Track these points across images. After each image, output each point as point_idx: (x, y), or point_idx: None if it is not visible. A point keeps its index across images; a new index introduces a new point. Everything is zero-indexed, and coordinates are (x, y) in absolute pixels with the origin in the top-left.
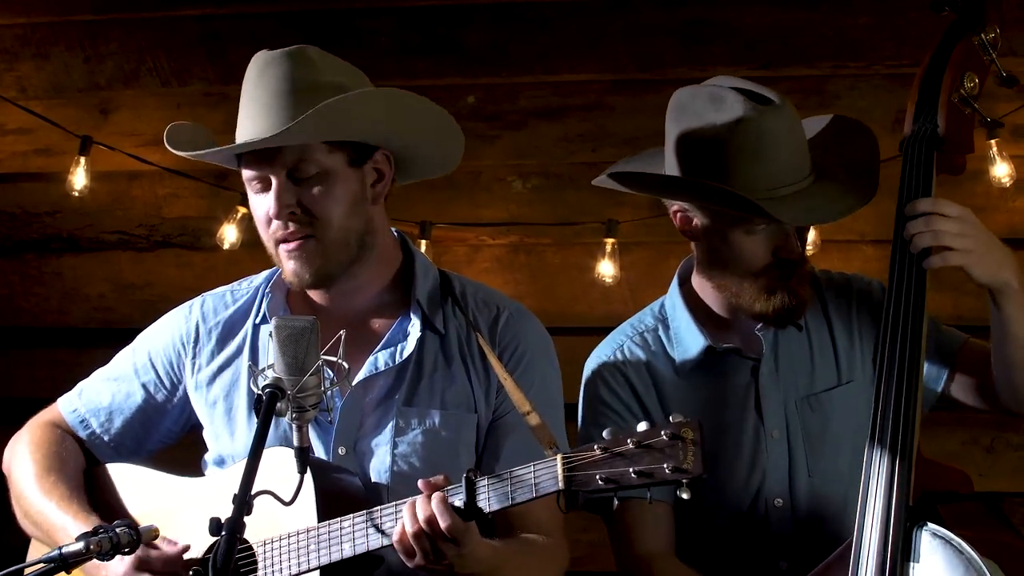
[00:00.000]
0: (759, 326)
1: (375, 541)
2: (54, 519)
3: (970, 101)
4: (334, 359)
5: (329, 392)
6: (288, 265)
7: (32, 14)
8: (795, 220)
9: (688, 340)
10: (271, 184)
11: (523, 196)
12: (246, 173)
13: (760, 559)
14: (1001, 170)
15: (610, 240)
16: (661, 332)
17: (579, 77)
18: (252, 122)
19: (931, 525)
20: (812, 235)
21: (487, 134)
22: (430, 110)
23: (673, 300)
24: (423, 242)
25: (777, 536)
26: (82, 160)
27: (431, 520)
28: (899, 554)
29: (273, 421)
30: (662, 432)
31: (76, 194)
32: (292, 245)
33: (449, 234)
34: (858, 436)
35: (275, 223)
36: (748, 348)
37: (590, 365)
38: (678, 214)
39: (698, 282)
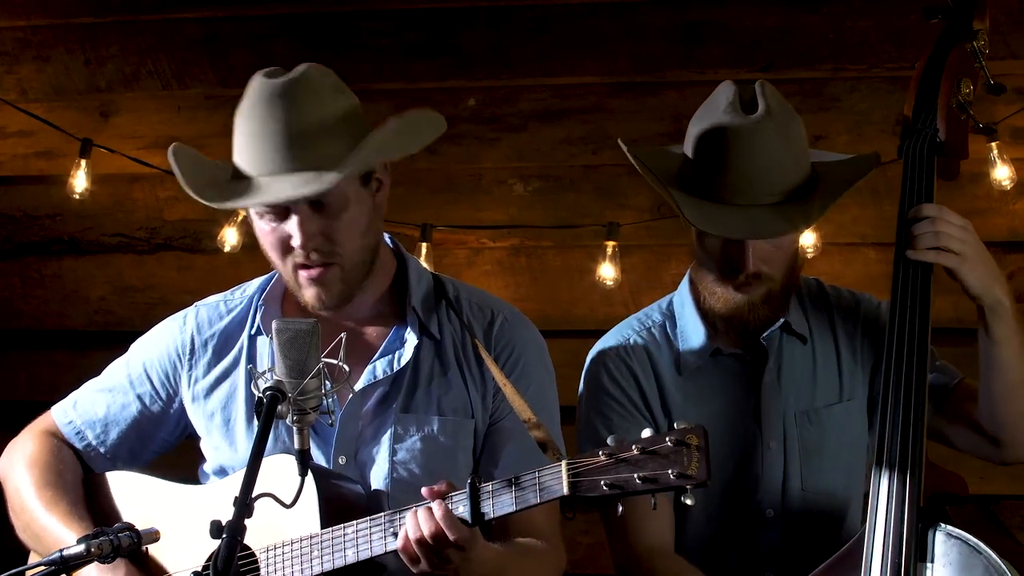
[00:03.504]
0: (765, 333)
1: (379, 547)
2: (57, 534)
3: (966, 107)
4: (335, 362)
5: (332, 396)
6: (309, 291)
7: (32, 17)
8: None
9: (693, 339)
10: (287, 213)
11: (524, 199)
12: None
13: (747, 568)
14: (1002, 173)
15: (611, 243)
16: (668, 329)
17: (579, 80)
18: (265, 157)
19: (945, 526)
20: (812, 238)
21: (487, 137)
22: (436, 121)
23: (682, 298)
24: (424, 245)
25: (766, 547)
26: (83, 163)
27: (436, 528)
28: (913, 555)
29: (272, 429)
30: (667, 438)
31: (77, 197)
32: (315, 272)
33: (450, 237)
34: (853, 454)
35: (297, 252)
36: (752, 354)
37: (593, 355)
38: None
39: None
